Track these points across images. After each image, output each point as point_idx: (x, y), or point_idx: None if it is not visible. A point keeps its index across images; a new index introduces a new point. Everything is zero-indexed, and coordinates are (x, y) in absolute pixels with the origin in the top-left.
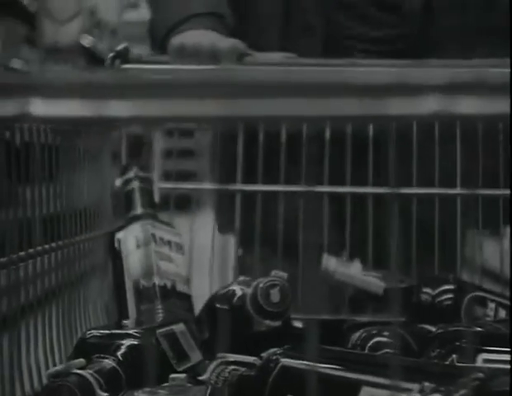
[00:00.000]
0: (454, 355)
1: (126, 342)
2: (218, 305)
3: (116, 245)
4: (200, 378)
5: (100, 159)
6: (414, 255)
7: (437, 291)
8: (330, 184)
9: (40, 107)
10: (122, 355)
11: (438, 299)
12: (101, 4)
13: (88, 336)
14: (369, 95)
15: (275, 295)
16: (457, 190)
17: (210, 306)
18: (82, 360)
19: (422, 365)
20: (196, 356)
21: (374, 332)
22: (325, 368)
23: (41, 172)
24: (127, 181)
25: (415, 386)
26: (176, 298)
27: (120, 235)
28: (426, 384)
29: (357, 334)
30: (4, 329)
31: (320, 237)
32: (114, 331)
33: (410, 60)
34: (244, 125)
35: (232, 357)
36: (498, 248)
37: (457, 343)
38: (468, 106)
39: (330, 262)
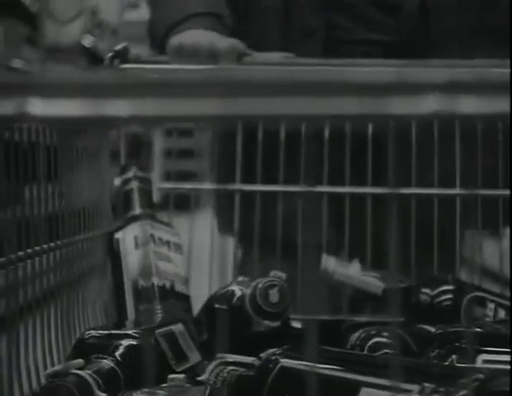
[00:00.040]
0: (454, 356)
1: (125, 343)
2: (217, 305)
3: (115, 245)
4: (199, 378)
5: (99, 159)
6: (414, 255)
7: (436, 291)
8: (329, 184)
9: (38, 107)
10: (121, 355)
11: (438, 300)
12: (102, 4)
13: (87, 336)
14: (369, 94)
15: (274, 296)
16: (457, 191)
17: (209, 306)
18: (80, 360)
19: (421, 365)
20: (194, 357)
21: (373, 332)
22: (324, 368)
23: (40, 171)
24: (126, 181)
25: (415, 387)
26: (175, 298)
27: (118, 235)
28: (426, 384)
29: (356, 334)
30: (3, 329)
31: (319, 237)
32: (113, 331)
33: (409, 60)
34: (242, 125)
35: (231, 358)
36: (497, 248)
37: (457, 344)
38: (468, 105)
39: (329, 262)
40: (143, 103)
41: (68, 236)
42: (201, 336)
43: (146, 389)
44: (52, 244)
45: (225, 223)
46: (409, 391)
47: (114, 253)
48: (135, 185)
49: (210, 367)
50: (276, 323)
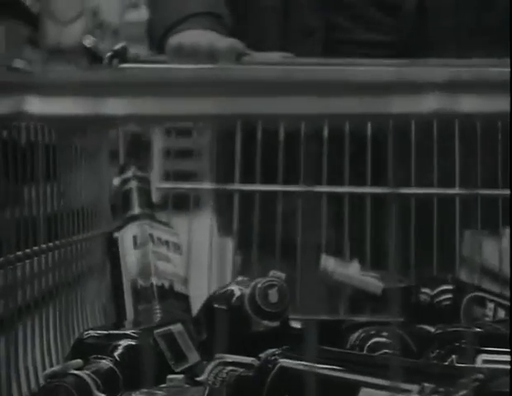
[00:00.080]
0: (454, 356)
1: (124, 343)
2: (216, 305)
3: (114, 245)
4: (198, 379)
5: (97, 158)
6: (413, 255)
7: (436, 291)
8: (329, 184)
9: (36, 105)
10: (120, 355)
11: (437, 300)
12: (103, 5)
13: (86, 336)
14: (369, 93)
15: (273, 296)
16: (456, 191)
17: (208, 306)
18: (79, 360)
19: (421, 365)
20: (193, 357)
21: (373, 332)
22: (324, 369)
23: (39, 171)
24: (125, 181)
25: (415, 387)
26: (174, 298)
27: (117, 235)
28: (425, 384)
29: (355, 334)
30: (1, 330)
31: (319, 237)
32: (111, 331)
33: (409, 59)
34: (241, 124)
35: (230, 358)
36: (497, 248)
37: (457, 344)
38: (468, 104)
39: (329, 262)
40: (141, 102)
41: (67, 236)
42: (200, 336)
43: (145, 390)
44: (51, 244)
45: (224, 223)
46: (408, 391)
47: (113, 253)
48: (134, 184)
49: (210, 367)
50: (275, 323)
